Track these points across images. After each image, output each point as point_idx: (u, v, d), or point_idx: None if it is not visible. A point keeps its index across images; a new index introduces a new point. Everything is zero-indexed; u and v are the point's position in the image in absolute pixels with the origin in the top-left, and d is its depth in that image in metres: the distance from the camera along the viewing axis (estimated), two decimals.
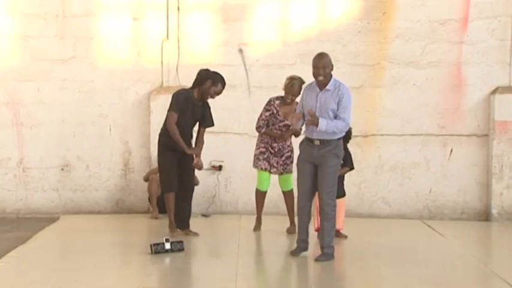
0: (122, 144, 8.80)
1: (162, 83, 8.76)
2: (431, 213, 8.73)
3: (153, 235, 7.12)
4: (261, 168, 7.31)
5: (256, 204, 7.40)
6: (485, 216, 8.66)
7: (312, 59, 8.73)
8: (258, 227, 7.42)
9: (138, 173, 8.77)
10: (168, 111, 6.93)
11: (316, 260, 6.12)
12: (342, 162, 6.75)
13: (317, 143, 6.15)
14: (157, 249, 6.19)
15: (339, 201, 6.93)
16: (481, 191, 8.68)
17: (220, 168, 8.74)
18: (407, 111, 8.71)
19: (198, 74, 7.01)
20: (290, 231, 7.36)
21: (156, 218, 8.16)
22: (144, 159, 8.70)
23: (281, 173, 7.37)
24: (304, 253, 6.24)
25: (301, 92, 6.53)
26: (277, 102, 7.32)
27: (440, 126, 8.71)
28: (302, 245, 6.27)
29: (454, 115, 8.69)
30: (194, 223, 7.91)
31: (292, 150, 7.39)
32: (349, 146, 8.84)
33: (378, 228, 8.04)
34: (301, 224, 6.26)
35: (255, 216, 7.52)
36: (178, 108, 6.87)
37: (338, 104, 6.08)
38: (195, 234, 7.10)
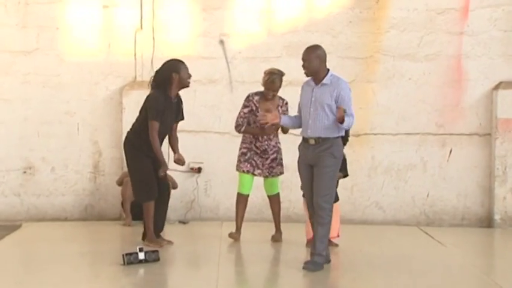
0: (92, 145, 8.75)
1: (136, 78, 8.72)
2: (428, 219, 8.76)
3: (125, 244, 7.10)
4: (243, 171, 7.29)
5: (237, 209, 7.38)
6: (487, 222, 8.70)
7: (298, 50, 8.76)
8: (236, 235, 7.35)
9: (109, 176, 8.72)
10: (149, 119, 6.83)
11: (304, 267, 6.12)
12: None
13: (312, 142, 6.18)
14: (130, 260, 6.16)
15: (335, 206, 6.94)
16: (483, 195, 8.72)
17: (199, 170, 8.71)
18: (403, 108, 8.73)
19: (157, 75, 6.92)
20: (276, 239, 7.34)
21: (129, 225, 8.12)
22: (115, 160, 8.65)
23: (266, 176, 7.35)
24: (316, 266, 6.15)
25: (301, 90, 6.49)
26: (256, 98, 7.30)
27: (438, 124, 8.74)
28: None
29: (453, 112, 8.73)
30: (171, 231, 7.87)
31: (279, 151, 7.38)
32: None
33: (371, 235, 8.05)
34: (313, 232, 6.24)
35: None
36: (160, 115, 6.84)
37: (337, 99, 6.11)
38: (169, 242, 7.05)
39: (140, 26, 8.76)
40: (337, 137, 6.19)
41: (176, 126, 7.14)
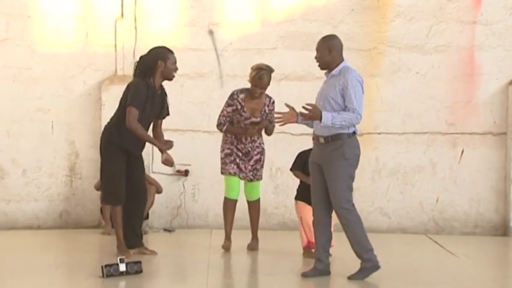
0: (67, 145, 8.76)
1: (116, 71, 8.73)
2: (438, 226, 8.79)
3: (105, 255, 7.09)
4: (230, 173, 7.30)
5: (225, 216, 7.39)
6: (502, 230, 8.74)
7: (294, 41, 8.83)
8: (227, 244, 7.37)
9: (86, 179, 8.72)
10: (128, 105, 6.81)
11: (349, 278, 6.16)
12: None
13: (321, 140, 6.18)
14: (109, 272, 6.16)
15: None
16: (498, 200, 8.76)
17: (186, 173, 8.73)
18: (410, 105, 8.76)
19: (142, 62, 6.93)
20: (252, 247, 7.38)
21: (109, 233, 8.13)
22: (93, 162, 8.65)
23: (250, 180, 7.37)
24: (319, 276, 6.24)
25: None
26: (241, 96, 7.31)
27: (449, 122, 8.78)
28: (319, 266, 6.29)
29: (465, 109, 8.76)
30: (155, 239, 7.87)
31: (263, 152, 7.41)
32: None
33: (376, 244, 8.01)
34: (318, 240, 6.29)
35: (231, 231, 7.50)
36: (141, 103, 6.83)
37: (342, 92, 6.08)
38: (152, 252, 7.06)
39: (121, 14, 8.77)
40: (349, 135, 6.13)
41: (161, 123, 7.14)
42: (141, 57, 7.01)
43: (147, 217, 8.46)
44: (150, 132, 7.05)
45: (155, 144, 6.99)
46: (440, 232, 8.73)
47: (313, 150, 6.34)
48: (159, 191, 8.45)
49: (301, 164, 7.11)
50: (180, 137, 8.58)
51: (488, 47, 8.71)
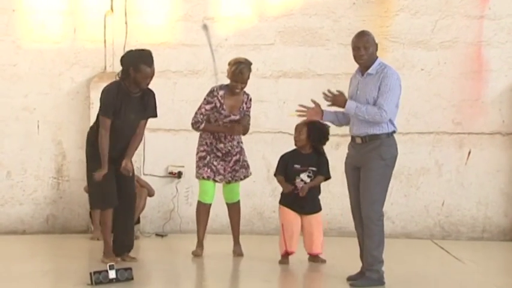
0: (54, 146, 8.74)
1: (106, 68, 8.72)
2: (444, 231, 8.79)
3: (93, 261, 7.07)
4: (203, 177, 7.28)
5: (198, 221, 7.37)
6: (511, 235, 8.73)
7: (293, 37, 8.82)
8: (199, 251, 7.34)
9: (74, 181, 8.70)
10: (99, 114, 6.89)
11: (351, 284, 6.20)
12: (315, 169, 6.92)
13: (358, 140, 6.23)
14: (99, 279, 6.15)
15: (313, 217, 6.97)
16: (507, 204, 8.75)
17: (179, 175, 8.71)
18: (415, 103, 8.75)
19: (120, 61, 6.95)
20: (238, 253, 7.35)
21: (98, 239, 8.10)
22: (82, 164, 8.59)
23: (228, 182, 7.35)
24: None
25: (349, 84, 6.52)
26: (221, 92, 7.28)
27: (455, 122, 8.78)
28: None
29: (472, 108, 8.76)
30: (146, 245, 7.87)
31: (241, 151, 7.39)
32: (340, 147, 8.85)
33: None
34: (360, 245, 6.34)
35: (222, 236, 7.50)
36: (110, 109, 6.85)
37: (379, 89, 6.15)
38: (133, 259, 7.02)
39: (111, 8, 8.75)
40: (388, 135, 6.19)
41: (144, 124, 7.08)
42: (123, 55, 7.00)
43: (138, 221, 8.44)
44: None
45: (101, 162, 6.86)
46: (447, 237, 8.72)
47: (349, 152, 6.36)
48: (150, 194, 8.42)
49: (283, 168, 7.10)
50: (173, 138, 8.56)
51: (496, 42, 8.71)
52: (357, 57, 6.31)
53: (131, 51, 7.03)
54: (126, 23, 8.73)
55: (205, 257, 7.32)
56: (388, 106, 6.11)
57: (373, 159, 6.12)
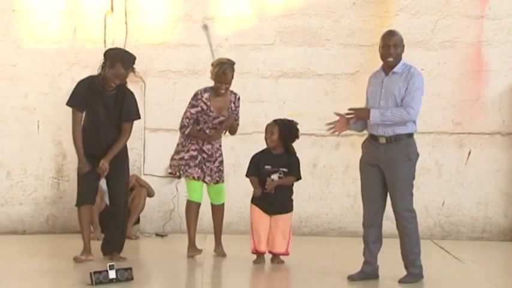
0: (54, 146, 8.74)
1: None
2: (444, 231, 8.79)
3: (94, 261, 7.06)
4: (193, 178, 7.27)
5: (188, 220, 7.37)
6: (511, 235, 8.73)
7: (293, 37, 8.81)
8: (194, 251, 7.33)
9: (74, 181, 8.60)
10: (68, 104, 6.98)
11: (400, 281, 6.30)
12: (286, 170, 6.90)
13: (382, 141, 6.26)
14: (99, 279, 6.15)
15: (281, 217, 6.95)
16: (507, 204, 8.75)
17: (179, 175, 8.69)
18: None
19: (104, 54, 6.99)
20: (222, 253, 7.35)
21: (98, 239, 8.09)
22: None
23: (216, 182, 7.35)
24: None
25: (367, 83, 6.57)
26: (206, 95, 7.26)
27: (455, 122, 8.78)
28: (366, 269, 6.42)
29: (472, 108, 8.76)
30: (147, 245, 7.86)
31: (222, 154, 7.42)
32: (340, 147, 8.86)
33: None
34: (366, 244, 6.41)
35: (222, 236, 7.49)
36: (76, 101, 6.90)
37: (406, 88, 6.24)
38: (122, 259, 7.02)
39: (111, 7, 8.75)
40: (411, 135, 6.29)
41: (128, 126, 7.05)
42: (107, 49, 7.04)
43: (138, 221, 8.46)
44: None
45: (79, 158, 6.95)
46: (447, 237, 8.72)
47: (369, 152, 6.37)
48: (150, 194, 8.43)
49: (255, 169, 7.08)
50: (173, 138, 8.51)
51: (496, 42, 8.71)
52: (385, 55, 6.36)
53: (119, 48, 7.04)
54: (126, 23, 8.73)
55: (205, 257, 7.32)
56: (415, 104, 6.22)
57: (401, 160, 6.23)
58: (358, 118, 6.31)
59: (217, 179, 7.34)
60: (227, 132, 7.37)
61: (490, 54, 8.72)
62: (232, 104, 7.32)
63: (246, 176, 7.17)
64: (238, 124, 7.36)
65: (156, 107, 8.58)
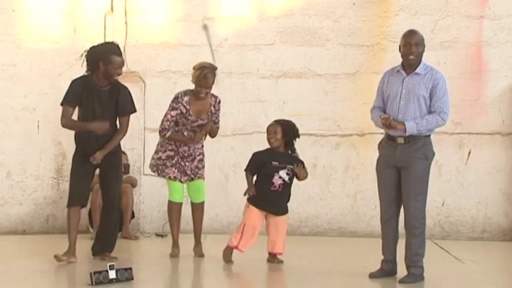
0: (54, 146, 8.74)
1: None
2: (444, 231, 8.79)
3: (93, 261, 7.08)
4: (170, 178, 7.29)
5: (171, 221, 7.38)
6: (511, 235, 8.73)
7: (293, 37, 8.82)
8: (176, 251, 7.35)
9: None
10: (62, 104, 6.96)
11: (401, 281, 6.34)
12: (292, 167, 6.93)
13: (400, 141, 6.32)
14: (99, 279, 6.15)
15: (281, 218, 6.96)
16: (507, 204, 8.75)
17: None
18: None
19: (88, 56, 6.97)
20: (200, 253, 7.34)
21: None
22: None
23: (191, 179, 7.36)
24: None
25: (381, 79, 6.59)
26: (186, 98, 7.25)
27: (455, 122, 8.78)
28: (386, 267, 6.51)
29: (472, 108, 8.76)
30: (146, 245, 7.85)
31: (203, 153, 7.42)
32: (340, 147, 8.86)
33: (379, 250, 8.05)
34: (386, 242, 6.52)
35: (222, 236, 7.49)
36: (71, 99, 6.91)
37: (432, 92, 6.28)
38: (113, 258, 7.01)
39: (111, 8, 8.75)
40: (429, 135, 6.35)
41: (126, 120, 7.05)
42: (88, 51, 6.99)
43: (132, 216, 8.46)
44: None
45: (88, 127, 6.89)
46: (446, 237, 8.73)
47: (387, 152, 6.43)
48: (134, 185, 8.44)
49: (255, 166, 7.06)
50: None
51: (496, 42, 8.71)
52: (407, 54, 6.36)
53: (96, 46, 7.02)
54: (126, 23, 8.74)
55: (205, 257, 7.32)
56: (447, 108, 6.33)
57: (418, 159, 6.29)
58: (394, 129, 6.28)
59: (193, 176, 7.34)
60: (207, 136, 7.37)
61: (490, 54, 8.72)
62: (212, 108, 7.31)
63: (245, 170, 7.10)
64: (218, 127, 7.37)
65: (156, 107, 8.58)
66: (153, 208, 8.65)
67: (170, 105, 7.27)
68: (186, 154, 7.31)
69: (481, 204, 8.76)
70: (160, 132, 7.31)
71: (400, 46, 6.43)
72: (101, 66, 6.85)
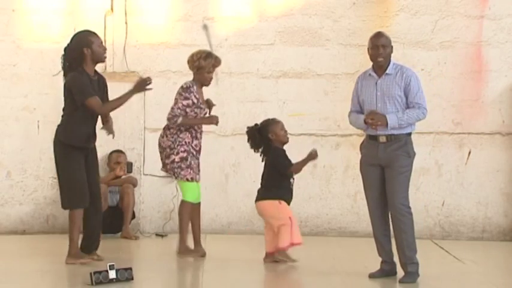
0: None
1: (106, 68, 8.70)
2: (444, 231, 8.79)
3: (93, 261, 7.06)
4: (187, 179, 7.26)
5: (193, 222, 7.29)
6: (511, 235, 8.73)
7: (293, 37, 8.82)
8: (202, 250, 7.32)
9: None
10: (84, 102, 6.80)
11: (401, 281, 6.34)
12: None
13: (382, 139, 6.34)
14: (99, 279, 6.15)
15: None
16: (507, 204, 8.75)
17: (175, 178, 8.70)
18: None
19: (69, 53, 6.92)
20: (202, 254, 7.31)
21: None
22: None
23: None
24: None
25: (356, 83, 6.63)
26: (195, 88, 7.26)
27: (455, 122, 8.78)
28: (386, 267, 6.52)
29: (472, 108, 8.76)
30: (146, 245, 7.86)
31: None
32: (340, 147, 8.86)
33: None
34: (380, 244, 6.50)
35: (222, 236, 7.50)
36: (90, 90, 6.83)
37: (405, 90, 6.32)
38: (99, 258, 6.99)
39: (111, 8, 8.75)
40: (410, 134, 6.38)
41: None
42: (65, 49, 6.98)
43: (133, 216, 8.46)
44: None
45: (129, 96, 6.90)
46: (446, 237, 8.73)
47: (369, 152, 6.43)
48: (134, 184, 8.44)
49: (289, 160, 7.08)
50: None
51: (496, 42, 8.71)
52: (375, 56, 6.38)
53: (68, 43, 6.97)
54: (126, 23, 8.74)
55: (206, 257, 7.32)
56: (424, 103, 6.35)
57: (401, 156, 6.31)
58: (378, 126, 6.26)
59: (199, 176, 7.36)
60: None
61: (490, 54, 8.72)
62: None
63: (287, 170, 7.03)
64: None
65: (156, 107, 8.58)
66: (153, 208, 8.65)
67: (182, 95, 7.21)
68: (197, 149, 7.28)
69: (481, 204, 8.76)
70: (170, 119, 7.19)
71: (368, 49, 6.44)
72: (86, 51, 6.83)
